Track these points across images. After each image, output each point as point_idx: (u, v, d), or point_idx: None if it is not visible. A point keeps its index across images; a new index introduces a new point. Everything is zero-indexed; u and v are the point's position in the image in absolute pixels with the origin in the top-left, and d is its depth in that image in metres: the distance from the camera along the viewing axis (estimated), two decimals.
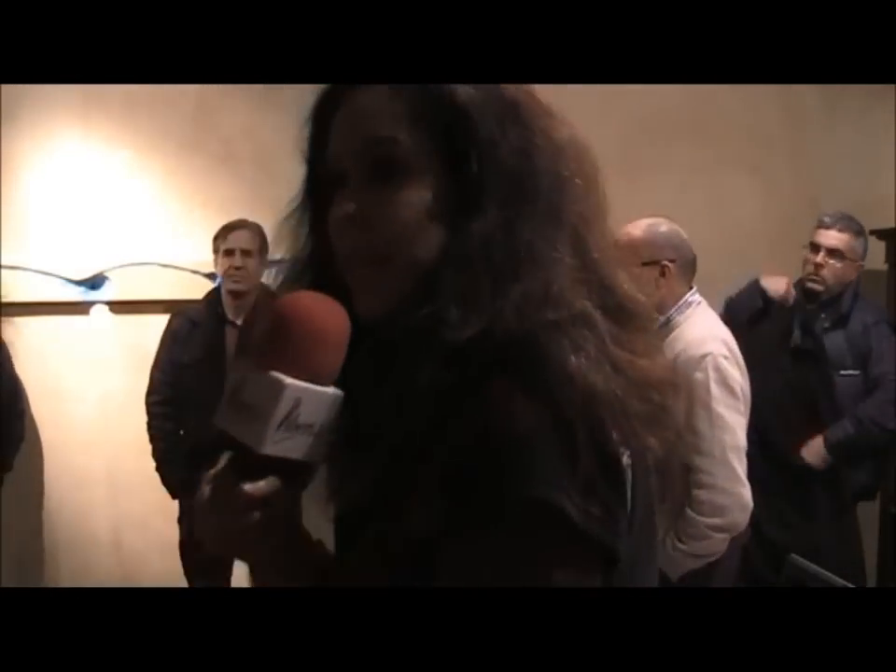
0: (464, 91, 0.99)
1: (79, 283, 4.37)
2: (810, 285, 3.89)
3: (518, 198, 0.97)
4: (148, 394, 3.88)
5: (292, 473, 0.97)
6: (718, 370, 2.73)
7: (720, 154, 4.76)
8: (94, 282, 4.37)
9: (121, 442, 4.24)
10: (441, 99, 0.99)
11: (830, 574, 2.67)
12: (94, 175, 4.41)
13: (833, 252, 3.87)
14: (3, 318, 4.09)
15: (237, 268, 3.89)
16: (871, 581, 4.40)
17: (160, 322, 3.95)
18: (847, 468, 3.93)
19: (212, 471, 0.98)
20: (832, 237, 3.87)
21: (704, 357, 2.72)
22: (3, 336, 4.00)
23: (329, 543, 1.13)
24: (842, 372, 3.90)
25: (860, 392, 3.89)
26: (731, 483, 2.72)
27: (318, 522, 1.10)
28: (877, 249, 4.55)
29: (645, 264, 2.78)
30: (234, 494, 0.95)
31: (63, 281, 4.36)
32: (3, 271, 4.21)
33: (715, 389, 2.71)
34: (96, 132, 4.41)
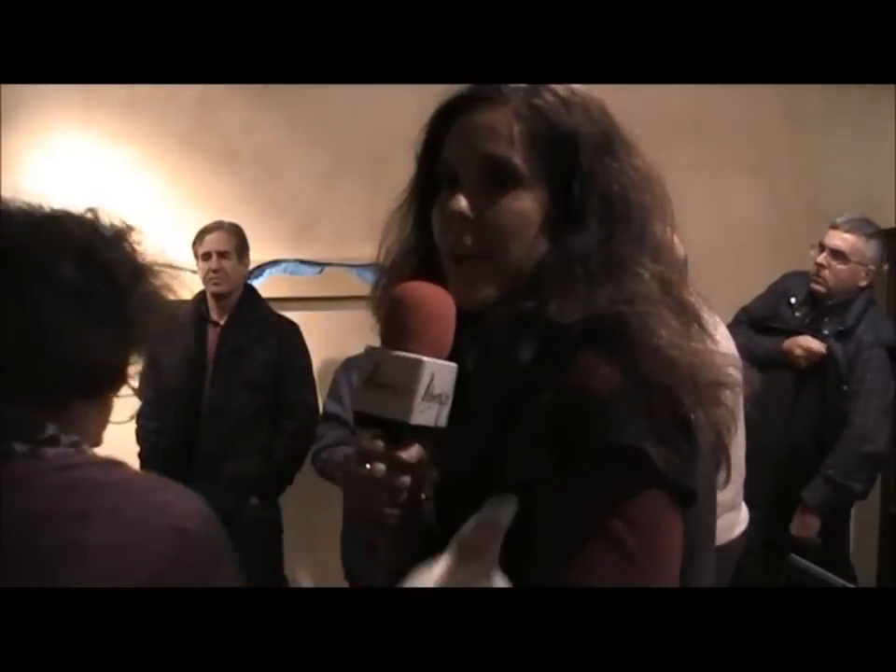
0: (571, 120, 1.13)
1: None
2: (812, 286, 3.85)
3: (612, 219, 1.12)
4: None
5: (428, 439, 1.11)
6: None
7: (720, 153, 4.76)
8: None
9: (114, 439, 4.23)
10: (553, 125, 1.13)
11: (830, 574, 2.67)
12: (94, 173, 4.41)
13: (836, 253, 3.79)
14: None
15: (215, 270, 3.92)
16: (871, 581, 4.40)
17: None
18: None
19: (363, 446, 1.09)
20: (836, 237, 3.80)
21: None
22: None
23: None
24: (845, 388, 3.82)
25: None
26: None
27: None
28: None
29: None
30: (392, 461, 1.08)
31: None
32: None
33: None
34: (96, 130, 4.42)
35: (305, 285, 4.48)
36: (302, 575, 4.45)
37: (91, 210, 1.30)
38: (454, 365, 1.09)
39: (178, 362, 3.80)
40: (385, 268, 1.26)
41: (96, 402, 1.18)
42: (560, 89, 1.13)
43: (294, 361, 4.01)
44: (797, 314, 3.90)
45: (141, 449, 3.93)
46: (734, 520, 2.95)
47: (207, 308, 4.00)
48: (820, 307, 3.88)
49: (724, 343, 2.81)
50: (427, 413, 1.06)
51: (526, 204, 1.13)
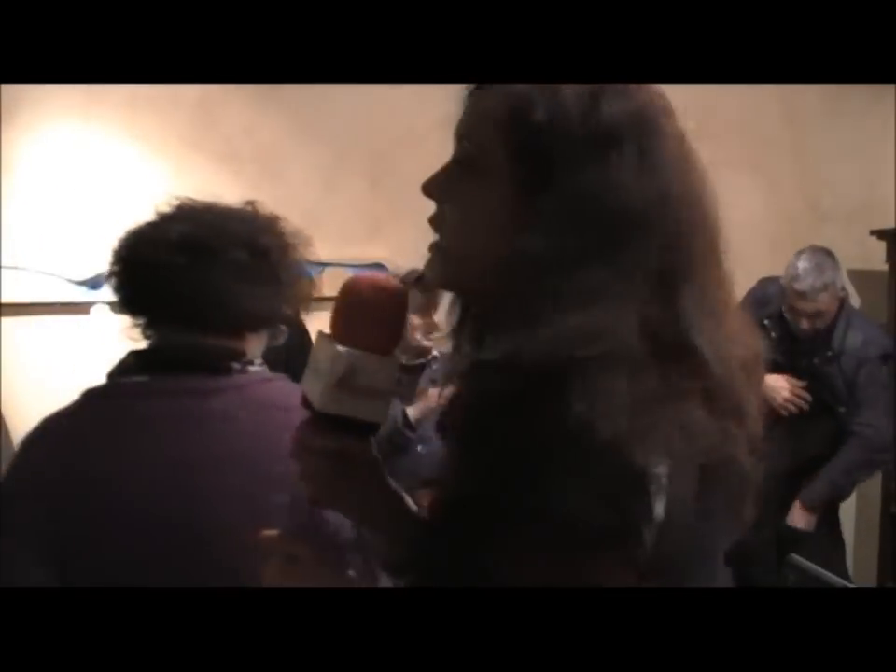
0: (555, 109, 0.98)
1: (80, 283, 4.37)
2: (800, 331, 3.86)
3: (582, 232, 0.96)
4: None
5: (356, 431, 1.07)
6: None
7: (720, 154, 4.75)
8: (95, 282, 4.37)
9: None
10: (523, 112, 0.99)
11: (830, 574, 2.67)
12: (95, 175, 4.42)
13: (815, 316, 3.81)
14: (3, 319, 4.08)
15: None
16: (871, 581, 4.40)
17: None
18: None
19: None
20: (809, 305, 3.79)
21: None
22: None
23: None
24: (842, 409, 3.87)
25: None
26: None
27: None
28: (877, 249, 4.55)
29: None
30: (311, 446, 1.07)
31: (64, 281, 4.36)
32: (3, 270, 4.21)
33: None
34: (97, 130, 4.41)
35: None
36: None
37: (250, 203, 1.79)
38: (385, 358, 1.05)
39: None
40: None
41: (259, 336, 1.76)
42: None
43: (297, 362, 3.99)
44: (773, 334, 3.88)
45: None
46: None
47: None
48: (794, 334, 3.90)
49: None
50: (344, 405, 1.04)
51: (485, 195, 1.02)
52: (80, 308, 4.39)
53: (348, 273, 4.38)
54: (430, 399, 3.44)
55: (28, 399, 4.12)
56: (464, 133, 1.06)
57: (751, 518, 1.04)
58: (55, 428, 1.66)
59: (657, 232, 0.97)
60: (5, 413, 3.89)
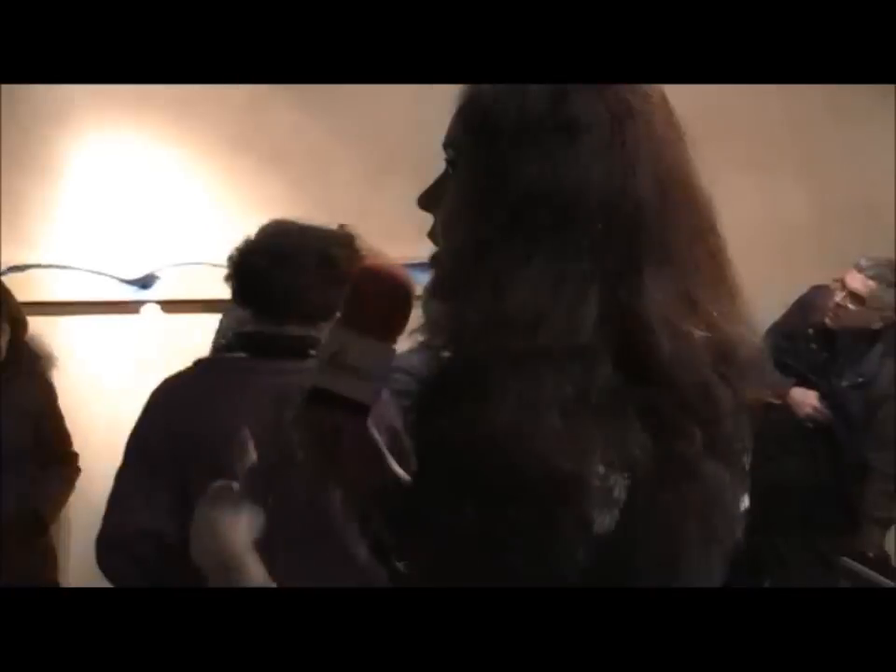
0: (508, 108, 1.00)
1: (131, 282, 4.42)
2: (826, 320, 3.84)
3: (533, 223, 0.96)
4: None
5: (346, 408, 1.10)
6: None
7: (725, 158, 4.71)
8: (145, 281, 4.41)
9: None
10: (486, 111, 1.02)
11: (879, 576, 2.65)
12: (145, 174, 4.46)
13: (855, 296, 3.77)
14: (53, 318, 4.13)
15: None
16: None
17: (210, 322, 3.98)
18: None
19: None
20: (858, 281, 3.77)
21: None
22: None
23: None
24: (860, 435, 3.85)
25: None
26: None
27: None
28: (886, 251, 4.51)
29: None
30: (304, 417, 1.10)
31: (115, 280, 4.41)
32: (55, 270, 4.27)
33: None
34: (148, 130, 4.45)
35: None
36: None
37: (341, 225, 2.40)
38: (377, 343, 1.08)
39: None
40: None
41: (327, 324, 2.07)
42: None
43: None
44: (812, 346, 3.90)
45: None
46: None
47: None
48: (833, 347, 3.88)
49: None
50: (335, 380, 1.08)
51: (458, 195, 1.05)
52: (130, 307, 4.44)
53: None
54: None
55: (82, 397, 4.17)
56: (445, 141, 1.09)
57: (729, 531, 1.00)
58: (173, 388, 2.26)
59: (611, 222, 0.96)
60: None
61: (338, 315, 1.13)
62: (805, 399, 3.87)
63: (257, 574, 1.09)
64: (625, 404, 0.89)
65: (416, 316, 1.07)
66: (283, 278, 2.20)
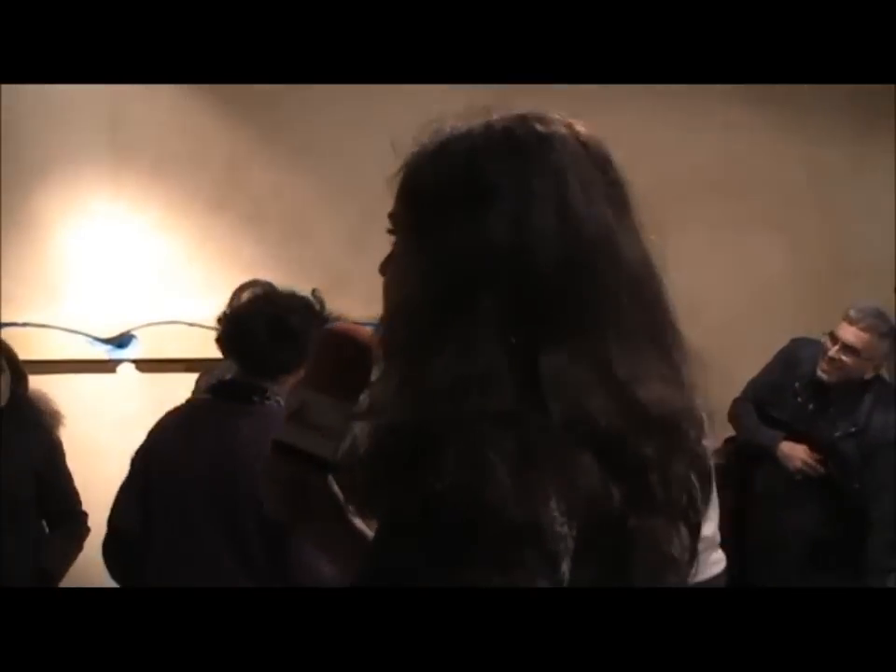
0: (428, 173, 1.03)
1: (106, 341, 4.40)
2: (820, 374, 3.80)
3: (455, 285, 0.96)
4: None
5: (310, 464, 1.15)
6: None
7: (746, 211, 4.77)
8: (121, 340, 4.40)
9: None
10: (410, 178, 1.05)
11: None
12: (122, 235, 4.46)
13: (848, 349, 3.73)
14: (30, 376, 4.11)
15: None
16: None
17: (186, 380, 3.96)
18: None
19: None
20: (851, 334, 3.73)
21: None
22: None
23: None
24: (856, 486, 3.82)
25: None
26: None
27: None
28: None
29: None
30: (271, 470, 1.16)
31: (91, 339, 4.39)
32: (31, 329, 4.25)
33: None
34: (125, 191, 4.46)
35: None
36: None
37: (314, 290, 2.87)
38: (337, 402, 1.12)
39: None
40: None
41: (287, 380, 2.59)
42: (444, 132, 1.04)
43: None
44: (800, 399, 3.88)
45: None
46: (717, 557, 3.05)
47: None
48: (825, 398, 3.86)
49: None
50: (299, 437, 1.13)
51: (398, 265, 1.06)
52: (106, 366, 4.41)
53: (378, 333, 4.42)
54: None
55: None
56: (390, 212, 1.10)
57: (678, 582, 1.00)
58: (162, 421, 2.83)
59: (530, 285, 0.96)
60: None
61: (301, 374, 1.20)
62: (794, 452, 3.85)
63: None
64: (571, 456, 0.90)
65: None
66: (236, 339, 2.73)
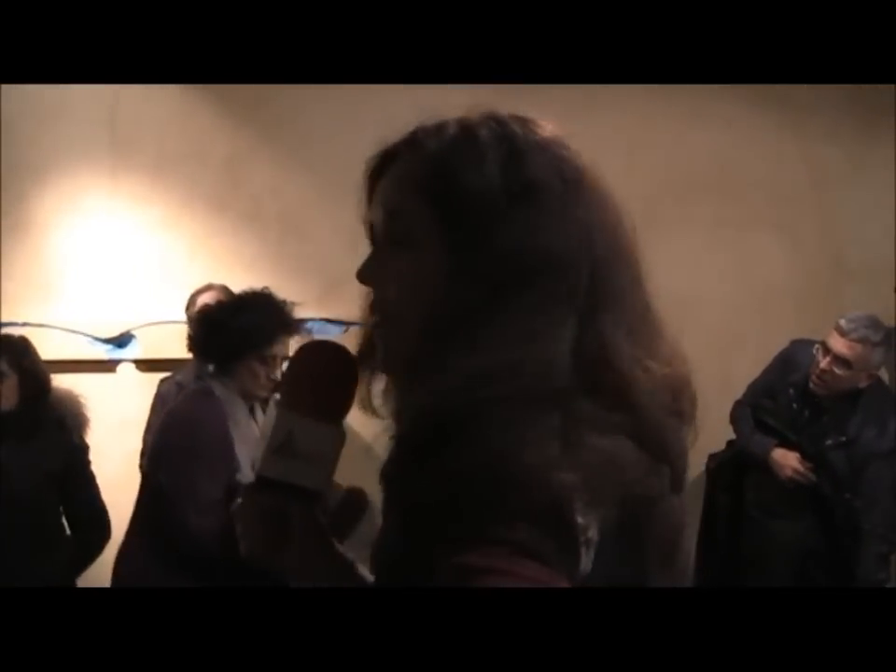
0: (471, 170, 1.01)
1: (106, 341, 4.40)
2: (812, 387, 3.77)
3: (504, 281, 0.97)
4: (142, 455, 3.84)
5: (296, 496, 1.08)
6: None
7: (745, 212, 4.77)
8: (121, 340, 4.39)
9: None
10: (445, 176, 1.02)
11: None
12: (122, 234, 4.46)
13: (840, 360, 3.67)
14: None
15: None
16: None
17: None
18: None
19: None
20: (843, 345, 3.65)
21: None
22: None
23: None
24: (847, 496, 3.80)
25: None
26: None
27: None
28: None
29: None
30: (251, 508, 1.12)
31: (90, 339, 4.39)
32: (31, 329, 4.25)
33: None
34: (124, 190, 4.47)
35: None
36: None
37: (266, 287, 3.30)
38: (328, 427, 1.06)
39: None
40: None
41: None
42: (482, 131, 1.03)
43: None
44: (794, 404, 3.87)
45: None
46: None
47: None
48: (815, 406, 3.84)
49: None
50: (284, 468, 1.04)
51: (420, 268, 1.02)
52: (106, 366, 4.41)
53: None
54: None
55: None
56: (391, 210, 1.07)
57: (685, 565, 1.02)
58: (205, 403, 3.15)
59: (575, 274, 0.98)
60: None
61: (278, 396, 1.10)
62: (786, 460, 3.83)
63: None
64: (602, 443, 0.91)
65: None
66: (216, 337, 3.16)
